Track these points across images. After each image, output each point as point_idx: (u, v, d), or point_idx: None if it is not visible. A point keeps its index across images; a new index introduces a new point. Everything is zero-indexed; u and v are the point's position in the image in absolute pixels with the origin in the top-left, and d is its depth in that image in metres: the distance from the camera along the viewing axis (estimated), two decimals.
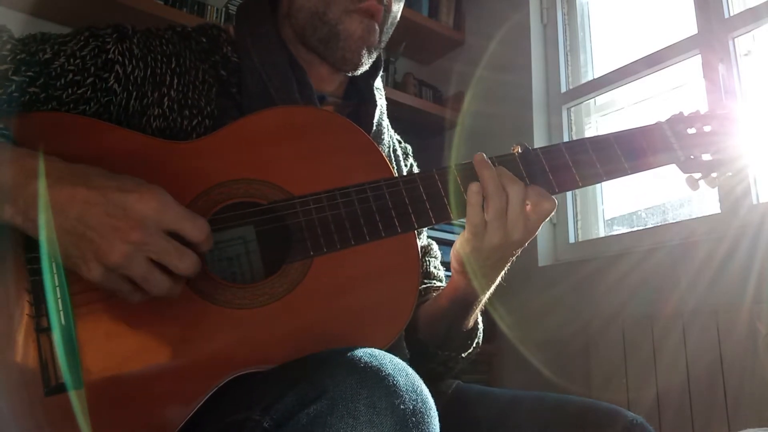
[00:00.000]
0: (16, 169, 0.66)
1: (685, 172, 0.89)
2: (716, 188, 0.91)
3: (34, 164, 0.67)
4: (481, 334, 1.02)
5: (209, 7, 2.28)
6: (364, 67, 0.95)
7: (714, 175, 0.88)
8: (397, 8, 0.96)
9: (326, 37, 0.91)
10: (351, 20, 0.90)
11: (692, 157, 0.87)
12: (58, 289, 0.68)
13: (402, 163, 1.09)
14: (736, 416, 1.54)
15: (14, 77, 0.76)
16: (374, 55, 0.96)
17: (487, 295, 0.91)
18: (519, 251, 0.84)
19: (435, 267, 1.10)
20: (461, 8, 2.92)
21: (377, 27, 0.92)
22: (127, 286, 0.66)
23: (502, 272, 0.88)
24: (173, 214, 0.66)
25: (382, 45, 0.97)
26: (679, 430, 1.65)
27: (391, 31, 0.97)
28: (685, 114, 0.90)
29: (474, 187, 0.79)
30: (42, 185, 0.65)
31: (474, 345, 1.00)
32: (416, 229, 0.80)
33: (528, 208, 0.80)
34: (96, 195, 0.65)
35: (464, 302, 0.91)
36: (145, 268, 0.64)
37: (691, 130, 0.88)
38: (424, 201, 0.80)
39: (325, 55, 0.93)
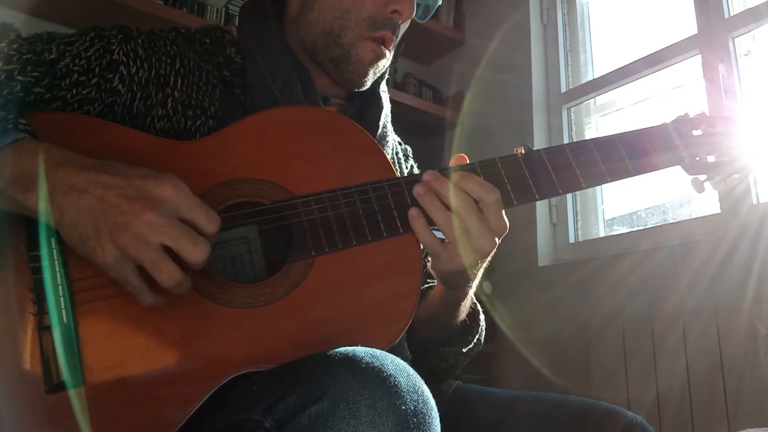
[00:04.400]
0: (42, 159, 0.68)
1: (690, 173, 0.89)
2: (720, 190, 0.90)
3: (60, 155, 0.69)
4: (483, 331, 1.02)
5: (209, 8, 2.28)
6: (367, 86, 0.96)
7: (719, 177, 0.88)
8: (405, 28, 0.97)
9: (338, 58, 0.92)
10: (364, 47, 0.91)
11: (697, 158, 0.87)
12: (59, 287, 0.68)
13: (403, 165, 1.09)
14: (736, 416, 1.54)
15: (19, 77, 0.76)
16: (378, 75, 0.97)
17: (474, 287, 0.91)
18: (496, 247, 0.81)
19: None
20: (461, 8, 2.92)
21: (388, 53, 0.93)
22: (137, 279, 0.66)
23: (482, 270, 0.87)
24: (189, 202, 0.67)
25: (389, 64, 0.97)
26: (679, 430, 1.65)
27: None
28: (690, 115, 0.89)
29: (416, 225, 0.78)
30: (40, 175, 0.67)
31: (475, 341, 1.01)
32: None
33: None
34: (118, 180, 0.66)
35: (454, 302, 0.93)
36: (156, 251, 0.65)
37: (697, 132, 0.88)
38: None
39: (333, 74, 0.94)
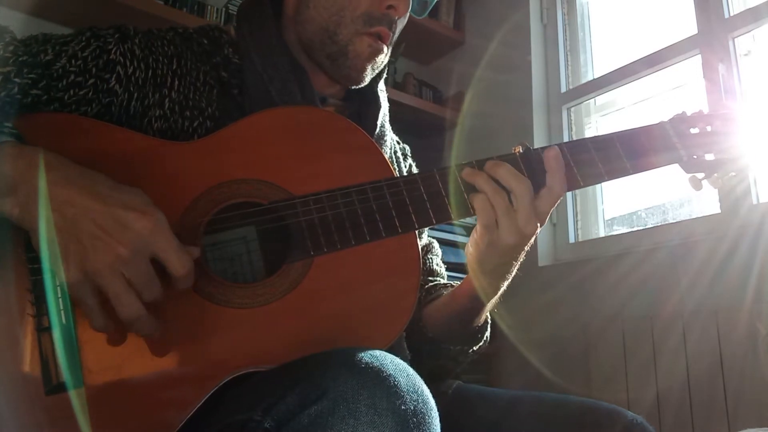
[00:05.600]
0: (23, 163, 0.67)
1: (688, 171, 0.89)
2: (718, 188, 0.90)
3: (46, 159, 0.68)
4: (489, 328, 1.02)
5: (209, 7, 2.27)
6: (366, 83, 0.96)
7: (717, 175, 0.88)
8: (402, 25, 0.97)
9: (334, 54, 0.92)
10: (361, 42, 0.91)
11: (695, 156, 0.87)
12: (58, 288, 0.68)
13: (402, 164, 1.09)
14: (736, 416, 1.54)
15: (16, 79, 0.76)
16: (377, 71, 0.97)
17: (503, 289, 0.91)
18: (531, 242, 0.83)
19: (437, 264, 1.11)
20: (461, 8, 2.92)
21: (385, 49, 0.94)
22: (94, 301, 0.65)
23: (517, 265, 0.88)
24: (164, 243, 0.67)
25: (386, 60, 0.97)
26: (679, 430, 1.65)
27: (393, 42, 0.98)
28: (688, 113, 0.89)
29: (476, 193, 0.80)
30: (43, 180, 0.66)
31: (484, 338, 1.01)
32: (417, 229, 0.80)
33: (542, 192, 0.80)
34: (98, 204, 0.66)
35: (485, 296, 0.91)
36: (122, 284, 0.65)
37: (694, 130, 0.88)
38: (425, 201, 0.80)
39: (330, 70, 0.94)
